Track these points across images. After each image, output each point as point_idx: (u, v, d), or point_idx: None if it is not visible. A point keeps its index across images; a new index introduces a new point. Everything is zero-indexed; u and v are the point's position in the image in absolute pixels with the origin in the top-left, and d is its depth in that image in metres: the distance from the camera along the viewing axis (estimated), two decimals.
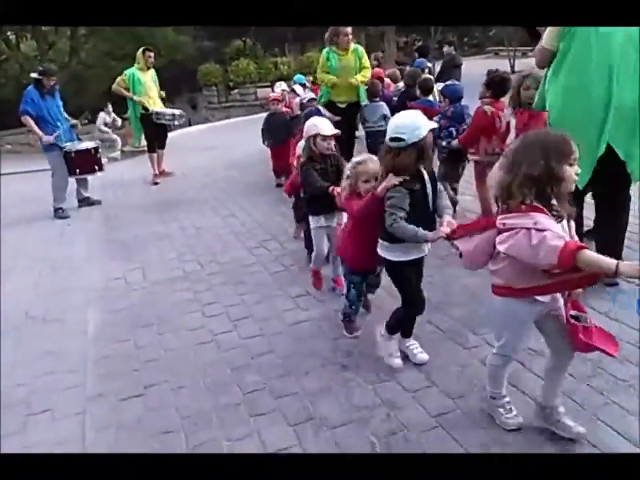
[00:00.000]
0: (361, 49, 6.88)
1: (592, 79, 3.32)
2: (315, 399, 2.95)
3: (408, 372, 3.08)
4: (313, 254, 4.14)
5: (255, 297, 4.23)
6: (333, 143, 3.79)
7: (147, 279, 4.80)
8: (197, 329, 3.84)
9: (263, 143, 7.35)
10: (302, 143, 4.09)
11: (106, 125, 14.38)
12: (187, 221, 6.34)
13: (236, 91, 20.31)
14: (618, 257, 2.95)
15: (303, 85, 8.50)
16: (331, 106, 6.63)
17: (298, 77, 9.64)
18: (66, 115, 7.25)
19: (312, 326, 3.71)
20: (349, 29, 6.57)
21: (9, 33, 23.50)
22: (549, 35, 3.50)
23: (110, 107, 15.37)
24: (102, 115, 14.47)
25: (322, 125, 3.77)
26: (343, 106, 6.77)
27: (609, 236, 3.59)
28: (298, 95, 7.48)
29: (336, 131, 3.80)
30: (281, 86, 8.50)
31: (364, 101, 6.78)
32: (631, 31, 3.27)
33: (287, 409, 2.90)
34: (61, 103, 7.14)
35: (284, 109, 7.39)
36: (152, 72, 8.42)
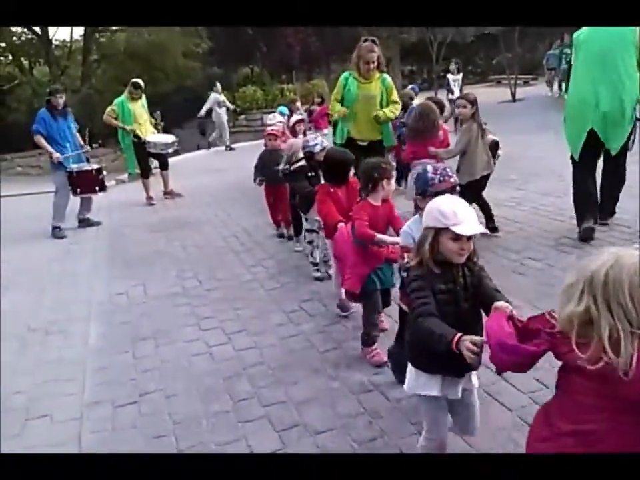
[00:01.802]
0: (389, 80, 5.77)
1: (585, 91, 4.87)
2: (302, 407, 3.08)
3: (392, 384, 3.19)
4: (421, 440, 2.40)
5: (250, 312, 4.37)
6: (471, 245, 2.09)
7: (147, 294, 4.97)
8: (192, 341, 3.99)
9: (254, 181, 6.19)
10: (409, 226, 2.67)
11: (219, 105, 13.82)
12: (189, 240, 6.52)
13: (243, 116, 20.72)
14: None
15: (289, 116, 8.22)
16: (350, 144, 5.52)
17: (282, 108, 9.14)
18: (79, 139, 7.52)
19: (303, 339, 3.85)
20: (373, 56, 5.45)
21: (22, 59, 24.19)
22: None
23: (219, 86, 14.55)
24: (214, 95, 13.92)
25: (457, 216, 2.03)
26: (364, 144, 5.69)
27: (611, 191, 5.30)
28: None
29: (483, 229, 2.29)
30: (275, 118, 7.47)
31: (390, 142, 5.95)
32: (614, 53, 4.65)
33: (275, 416, 3.03)
34: (73, 126, 7.43)
35: (282, 146, 6.03)
36: (141, 100, 8.65)
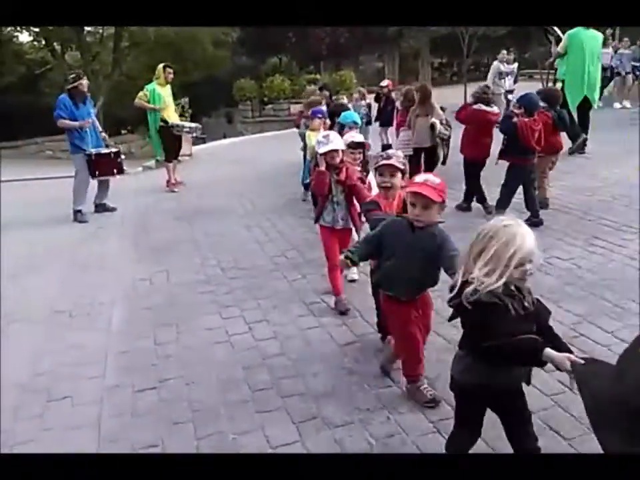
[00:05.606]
0: None
1: (577, 68, 8.22)
2: (320, 399, 3.07)
3: None
4: None
5: (272, 302, 4.37)
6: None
7: (170, 281, 5.00)
8: (213, 329, 4.00)
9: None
10: None
11: (500, 75, 12.52)
12: (213, 228, 6.54)
13: (270, 106, 20.72)
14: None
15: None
16: None
17: (348, 114, 6.04)
18: (97, 124, 7.61)
19: (323, 332, 3.83)
20: None
21: (55, 44, 24.49)
22: (560, 46, 8.45)
23: (504, 53, 13.09)
24: (496, 64, 12.89)
25: None
26: None
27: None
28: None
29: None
30: (355, 134, 4.82)
31: None
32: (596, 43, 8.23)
33: (293, 408, 3.02)
34: (92, 111, 7.54)
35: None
36: (168, 87, 8.88)
